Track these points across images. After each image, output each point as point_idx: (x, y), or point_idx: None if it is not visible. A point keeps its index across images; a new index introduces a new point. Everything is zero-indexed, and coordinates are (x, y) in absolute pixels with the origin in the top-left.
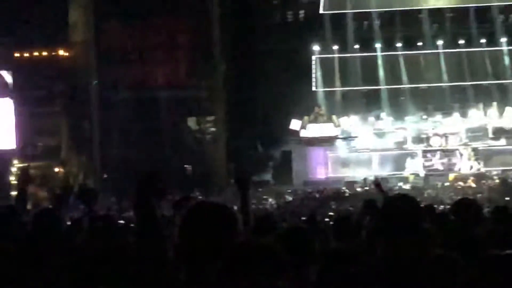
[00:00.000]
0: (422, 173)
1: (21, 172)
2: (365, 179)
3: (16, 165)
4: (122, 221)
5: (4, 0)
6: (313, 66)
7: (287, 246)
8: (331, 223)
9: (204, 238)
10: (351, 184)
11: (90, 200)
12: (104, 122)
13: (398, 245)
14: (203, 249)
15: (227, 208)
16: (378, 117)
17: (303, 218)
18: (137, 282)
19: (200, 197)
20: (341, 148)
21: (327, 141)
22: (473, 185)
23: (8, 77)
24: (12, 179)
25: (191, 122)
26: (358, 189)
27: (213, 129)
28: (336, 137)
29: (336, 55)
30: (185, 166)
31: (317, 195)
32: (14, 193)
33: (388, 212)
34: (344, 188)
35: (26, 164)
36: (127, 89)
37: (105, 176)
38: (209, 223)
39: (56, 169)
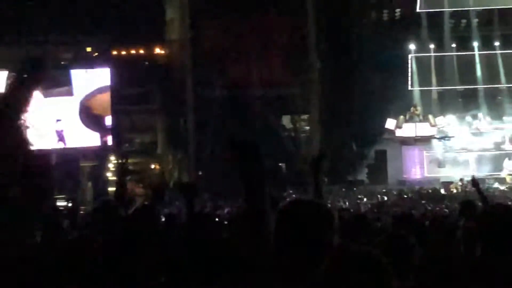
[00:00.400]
0: None
1: (119, 166)
2: (461, 180)
3: (113, 162)
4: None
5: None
6: (409, 65)
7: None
8: (426, 222)
9: (301, 237)
10: (447, 184)
11: (190, 194)
12: (199, 119)
13: (498, 249)
14: (300, 248)
15: (323, 205)
16: (475, 117)
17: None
18: (235, 277)
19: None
20: (437, 148)
21: (423, 141)
22: None
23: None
24: (109, 175)
25: (286, 120)
26: (454, 190)
27: (307, 127)
28: (432, 137)
29: (433, 54)
30: (279, 164)
31: (412, 195)
32: (111, 189)
33: (490, 219)
34: (439, 188)
35: (124, 159)
36: (222, 87)
37: (200, 173)
38: (305, 221)
39: (152, 166)
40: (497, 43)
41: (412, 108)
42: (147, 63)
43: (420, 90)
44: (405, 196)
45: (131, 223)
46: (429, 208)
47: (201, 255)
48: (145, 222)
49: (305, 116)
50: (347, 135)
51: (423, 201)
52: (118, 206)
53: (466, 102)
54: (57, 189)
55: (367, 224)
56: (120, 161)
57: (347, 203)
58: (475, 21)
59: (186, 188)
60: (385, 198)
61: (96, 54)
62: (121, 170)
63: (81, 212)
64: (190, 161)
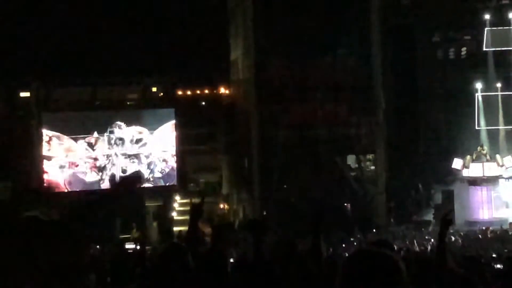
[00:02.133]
0: None
1: (193, 206)
2: None
3: (178, 201)
4: None
5: (168, 40)
6: (476, 104)
7: None
8: (497, 265)
9: None
10: None
11: (259, 232)
12: (264, 159)
13: None
14: None
15: (390, 257)
16: None
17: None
18: None
19: (359, 237)
20: (505, 188)
21: (491, 181)
22: None
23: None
24: (174, 215)
25: (351, 160)
26: None
27: (372, 167)
28: (499, 177)
29: (500, 93)
30: (345, 204)
31: (480, 236)
32: (176, 228)
33: None
34: (507, 229)
35: (199, 199)
36: (287, 127)
37: (265, 213)
38: (371, 274)
39: (219, 205)
40: None
41: (479, 148)
42: (212, 102)
43: (487, 130)
44: (473, 238)
45: (198, 269)
46: (496, 248)
47: None
48: (212, 267)
49: (370, 156)
50: (413, 175)
51: (492, 243)
52: (187, 251)
53: None
54: (123, 229)
55: (432, 267)
56: (193, 201)
57: (415, 244)
58: None
59: (254, 225)
60: (452, 239)
61: (161, 94)
62: (194, 211)
63: (148, 252)
64: (255, 201)
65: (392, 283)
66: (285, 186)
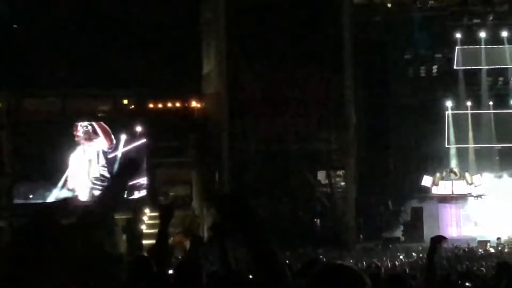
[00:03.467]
0: None
1: (164, 209)
2: (498, 239)
3: (147, 214)
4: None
5: (139, 52)
6: (446, 122)
7: None
8: (466, 284)
9: None
10: (484, 243)
11: (222, 235)
12: (235, 173)
13: None
14: None
15: (356, 272)
16: None
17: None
18: None
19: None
20: (473, 206)
21: (459, 199)
22: None
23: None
24: (144, 228)
25: (321, 175)
26: (491, 249)
27: (342, 183)
28: (468, 195)
29: (470, 111)
30: (314, 219)
31: (449, 254)
32: (145, 242)
33: None
34: (476, 247)
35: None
36: (258, 141)
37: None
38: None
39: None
40: None
41: (449, 166)
42: (183, 116)
43: (457, 147)
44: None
45: (175, 280)
46: (465, 267)
47: None
48: (189, 278)
49: (340, 172)
50: (382, 191)
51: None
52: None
53: (503, 161)
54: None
55: (404, 282)
56: (163, 204)
57: (387, 261)
58: None
59: (217, 228)
60: (421, 256)
61: (133, 106)
62: (165, 214)
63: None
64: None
65: None
66: (254, 200)
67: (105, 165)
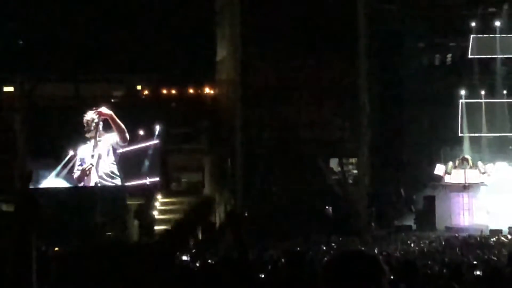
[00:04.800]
0: None
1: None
2: (510, 228)
3: (160, 200)
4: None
5: (153, 37)
6: (460, 111)
7: None
8: (476, 272)
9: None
10: (495, 232)
11: (237, 224)
12: (247, 160)
13: None
14: None
15: (374, 259)
16: None
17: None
18: None
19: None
20: (486, 196)
21: (472, 188)
22: None
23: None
24: (156, 214)
25: (333, 163)
26: (503, 238)
27: (355, 171)
28: (481, 184)
29: (484, 100)
30: (326, 207)
31: (462, 242)
32: (157, 227)
33: None
34: (488, 236)
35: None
36: (271, 129)
37: (246, 214)
38: (354, 274)
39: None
40: None
41: (461, 155)
42: (196, 102)
43: (470, 136)
44: (454, 243)
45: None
46: (479, 255)
47: None
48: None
49: (353, 160)
50: (395, 180)
51: (473, 249)
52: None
53: None
54: (103, 226)
55: (416, 270)
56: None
57: (398, 249)
58: None
59: (232, 217)
60: (433, 245)
61: (146, 92)
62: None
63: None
64: (237, 202)
65: (375, 283)
66: (266, 188)
67: (115, 162)
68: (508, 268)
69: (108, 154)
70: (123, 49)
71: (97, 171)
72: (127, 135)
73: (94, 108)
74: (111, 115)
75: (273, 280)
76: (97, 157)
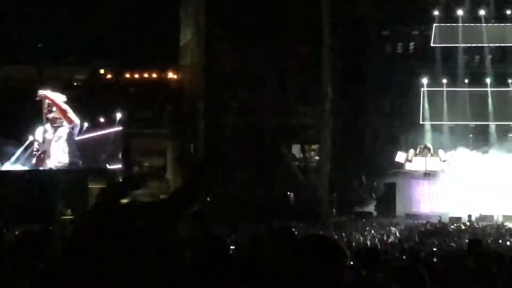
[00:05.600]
0: None
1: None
2: (469, 216)
3: None
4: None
5: (116, 21)
6: (421, 99)
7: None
8: (434, 259)
9: (313, 271)
10: (455, 220)
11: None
12: (210, 145)
13: None
14: (311, 281)
15: (336, 243)
16: (485, 153)
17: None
18: None
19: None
20: (446, 183)
21: (432, 175)
22: None
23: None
24: None
25: (296, 149)
26: (462, 226)
27: (317, 157)
28: (441, 172)
29: (445, 89)
30: (288, 193)
31: (421, 229)
32: None
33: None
34: (447, 223)
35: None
36: (234, 114)
37: (208, 199)
38: (318, 258)
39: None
40: (510, 80)
41: (423, 143)
42: (160, 87)
43: (432, 124)
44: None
45: None
46: (436, 243)
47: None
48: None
49: (315, 146)
50: (357, 166)
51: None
52: None
53: (476, 138)
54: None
55: (377, 256)
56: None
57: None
58: (488, 57)
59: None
60: (393, 231)
61: (109, 76)
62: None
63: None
64: None
65: (337, 265)
66: (228, 172)
67: (70, 146)
68: (468, 255)
69: (66, 139)
70: (86, 31)
71: (49, 156)
72: (73, 117)
73: (40, 92)
74: (53, 99)
75: (235, 265)
76: (51, 141)
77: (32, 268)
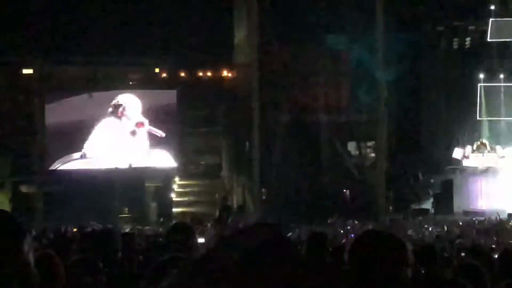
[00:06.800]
0: None
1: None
2: None
3: (177, 182)
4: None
5: (171, 21)
6: (478, 94)
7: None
8: (494, 256)
9: (374, 268)
10: None
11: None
12: (264, 143)
13: None
14: (373, 278)
15: (398, 239)
16: None
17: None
18: None
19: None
20: (504, 179)
21: (490, 172)
22: None
23: (173, 97)
24: (173, 196)
25: (351, 146)
26: None
27: (373, 154)
28: (499, 168)
29: (503, 84)
30: (344, 191)
31: (479, 226)
32: (175, 210)
33: None
34: (506, 220)
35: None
36: (288, 112)
37: (264, 197)
38: (379, 252)
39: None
40: None
41: (480, 138)
42: (214, 85)
43: (489, 120)
44: (472, 227)
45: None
46: (495, 240)
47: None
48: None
49: (371, 143)
50: (413, 163)
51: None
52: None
53: None
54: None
55: (434, 254)
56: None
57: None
58: None
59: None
60: (451, 228)
61: (164, 75)
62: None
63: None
64: (255, 185)
65: (400, 261)
66: (284, 171)
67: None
68: None
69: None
70: (141, 31)
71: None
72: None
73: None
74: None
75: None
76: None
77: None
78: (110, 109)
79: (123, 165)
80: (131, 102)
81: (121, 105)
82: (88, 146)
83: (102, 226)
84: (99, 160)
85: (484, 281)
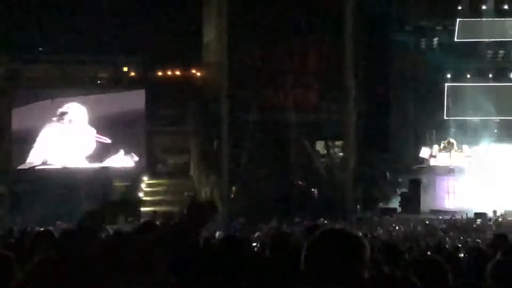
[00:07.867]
0: None
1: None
2: (494, 212)
3: (146, 182)
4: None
5: (140, 20)
6: (445, 94)
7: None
8: (460, 255)
9: (330, 267)
10: (480, 215)
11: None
12: (233, 142)
13: None
14: (328, 277)
15: (356, 236)
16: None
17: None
18: None
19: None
20: (471, 179)
21: (457, 171)
22: None
23: (141, 96)
24: (141, 195)
25: (320, 146)
26: (488, 222)
27: (341, 154)
28: (466, 167)
29: (469, 84)
30: (312, 189)
31: (444, 225)
32: (143, 209)
33: None
34: (472, 219)
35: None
36: (257, 111)
37: (232, 196)
38: (336, 251)
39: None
40: None
41: (446, 138)
42: (183, 84)
43: (456, 120)
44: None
45: None
46: (462, 239)
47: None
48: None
49: (339, 142)
50: (381, 162)
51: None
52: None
53: (501, 133)
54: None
55: (400, 253)
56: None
57: (383, 232)
58: None
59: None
60: (418, 228)
61: (133, 74)
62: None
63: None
64: (223, 183)
65: (357, 257)
66: (252, 170)
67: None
68: (493, 251)
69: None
70: (110, 30)
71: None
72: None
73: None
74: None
75: (259, 261)
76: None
77: None
78: (55, 118)
79: (86, 165)
80: (77, 110)
81: (66, 112)
82: (38, 151)
83: (68, 225)
84: (62, 164)
85: (446, 276)
